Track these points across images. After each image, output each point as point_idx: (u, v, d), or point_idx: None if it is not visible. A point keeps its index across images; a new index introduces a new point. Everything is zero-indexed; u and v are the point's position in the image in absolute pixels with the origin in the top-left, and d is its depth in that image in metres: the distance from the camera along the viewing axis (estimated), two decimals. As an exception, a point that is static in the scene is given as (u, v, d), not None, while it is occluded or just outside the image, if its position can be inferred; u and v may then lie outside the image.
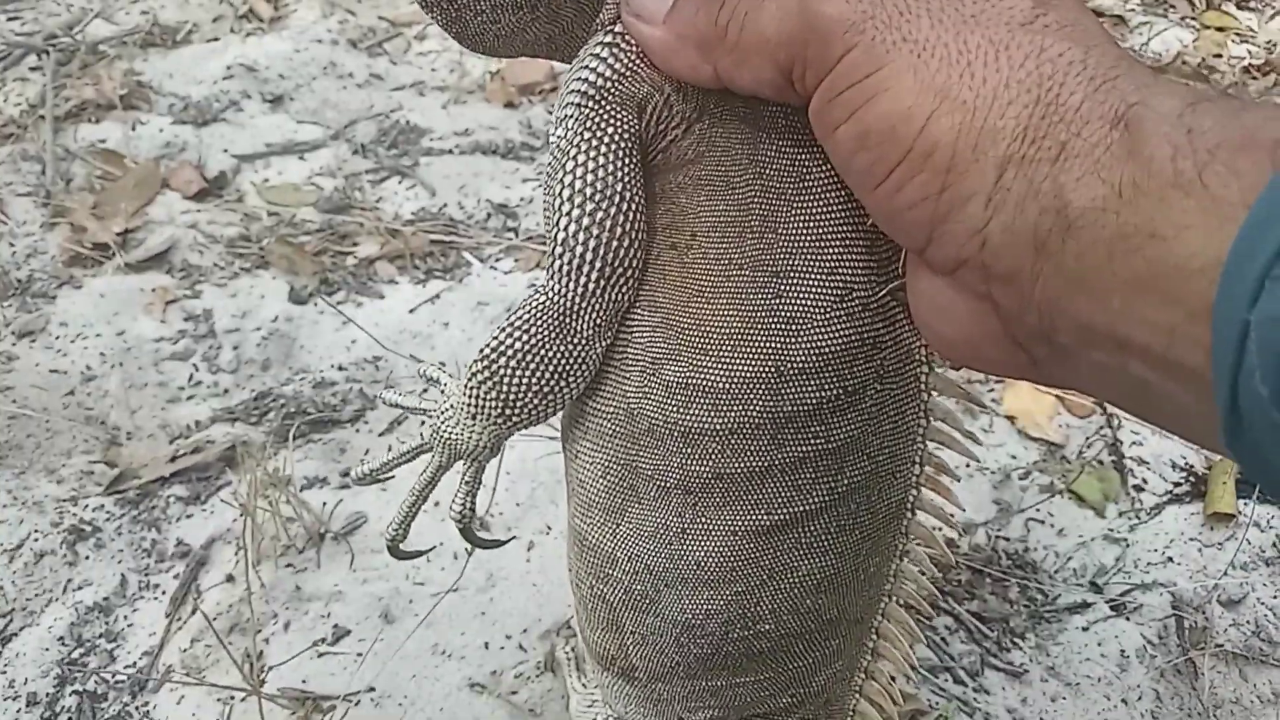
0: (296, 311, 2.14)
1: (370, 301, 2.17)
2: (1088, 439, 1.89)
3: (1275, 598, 1.65)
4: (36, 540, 1.67)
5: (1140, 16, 3.34)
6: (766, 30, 0.61)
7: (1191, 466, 1.85)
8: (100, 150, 2.46)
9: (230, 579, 1.62)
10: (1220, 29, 3.30)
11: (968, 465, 1.73)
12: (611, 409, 0.76)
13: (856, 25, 0.58)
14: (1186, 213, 0.48)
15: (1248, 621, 1.62)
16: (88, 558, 1.65)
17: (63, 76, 2.67)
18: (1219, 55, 3.18)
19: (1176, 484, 1.82)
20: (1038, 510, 1.76)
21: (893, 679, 0.94)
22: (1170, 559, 1.69)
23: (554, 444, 1.77)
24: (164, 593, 1.61)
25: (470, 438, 0.78)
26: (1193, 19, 3.36)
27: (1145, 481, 1.82)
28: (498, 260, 2.32)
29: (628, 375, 0.74)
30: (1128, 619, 1.60)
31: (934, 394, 0.79)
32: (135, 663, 1.51)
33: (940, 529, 0.86)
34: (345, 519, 1.69)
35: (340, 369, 2.00)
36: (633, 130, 0.69)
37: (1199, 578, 1.65)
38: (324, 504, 1.71)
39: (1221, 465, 1.80)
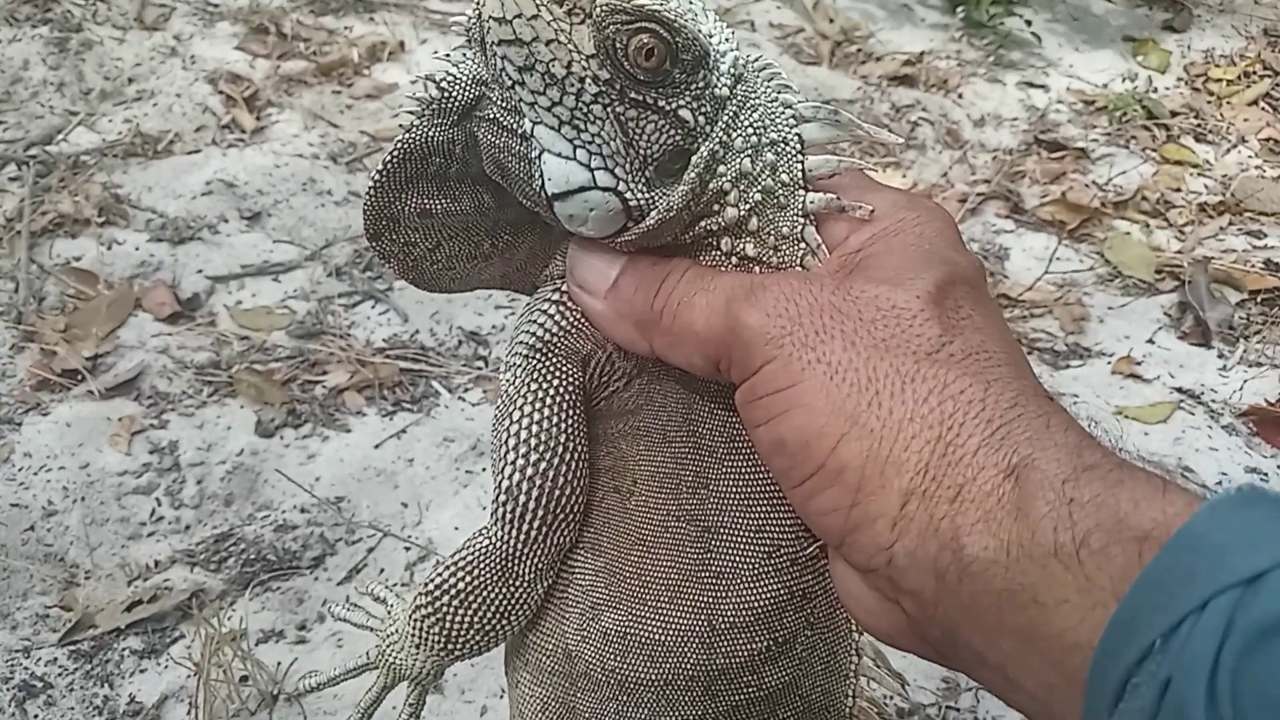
0: (262, 445, 2.15)
1: (336, 435, 2.19)
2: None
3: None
4: (-13, 693, 1.67)
5: (1103, 148, 3.44)
6: (695, 324, 0.66)
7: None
8: (74, 269, 2.48)
9: (181, 741, 1.61)
10: (1178, 162, 3.41)
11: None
12: (550, 647, 0.78)
13: (775, 339, 0.62)
14: (1065, 587, 0.52)
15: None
16: (37, 717, 1.64)
17: (41, 190, 2.70)
18: (1178, 189, 3.28)
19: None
20: (987, 680, 1.78)
21: None
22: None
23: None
24: (113, 754, 1.60)
25: (413, 664, 0.80)
26: (1153, 150, 3.47)
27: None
28: (466, 390, 2.34)
29: (567, 617, 0.76)
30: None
31: (865, 634, 0.82)
32: (79, 832, 1.51)
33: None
34: (299, 680, 1.69)
35: (303, 511, 2.01)
36: (577, 382, 0.73)
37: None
38: (278, 663, 1.71)
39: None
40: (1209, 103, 3.72)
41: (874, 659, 0.83)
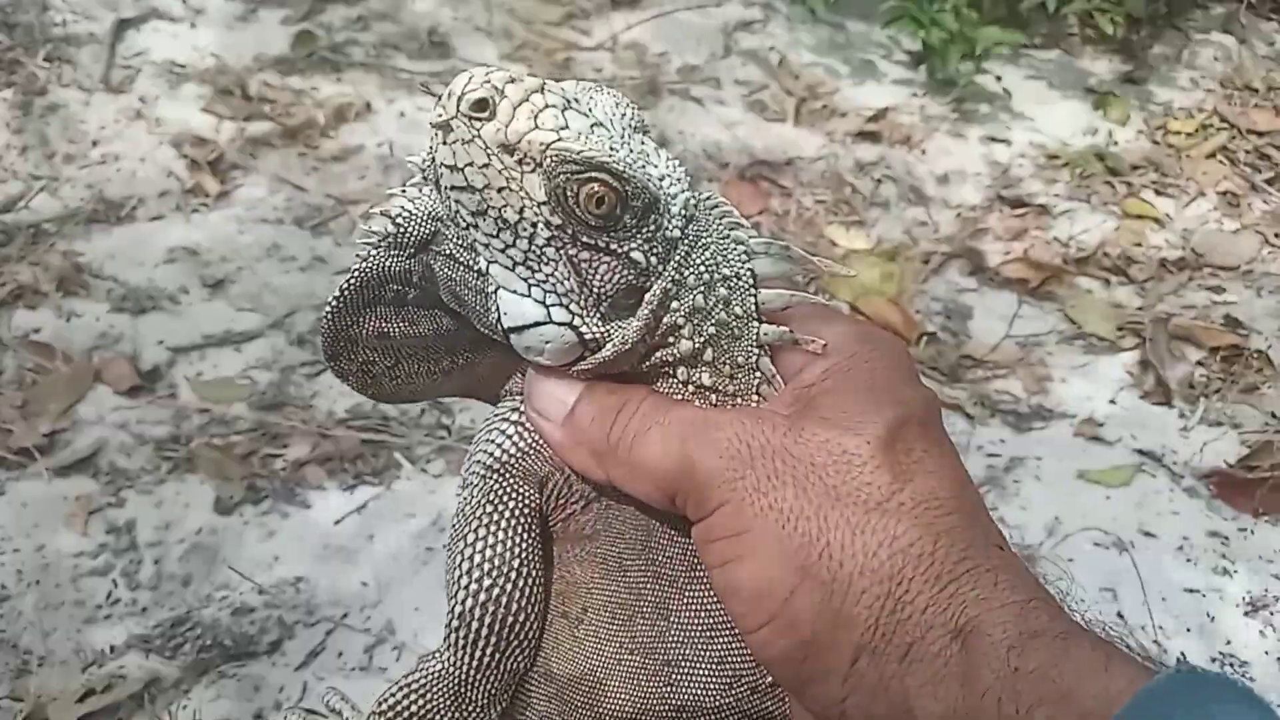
0: (221, 523, 2.13)
1: (296, 512, 2.17)
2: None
3: None
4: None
5: (1065, 203, 3.48)
6: (650, 460, 0.66)
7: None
8: (32, 343, 2.46)
9: (131, 840, 1.58)
10: (1139, 217, 3.45)
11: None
12: None
13: (729, 482, 0.63)
14: None
15: None
16: (-17, 818, 1.61)
17: (0, 260, 2.68)
18: (1139, 245, 3.32)
19: None
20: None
21: None
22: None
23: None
24: None
25: None
26: (1115, 204, 3.51)
27: None
28: (429, 461, 2.33)
29: None
30: None
31: None
32: None
33: None
34: (252, 778, 1.67)
35: (261, 592, 1.99)
36: (533, 504, 0.72)
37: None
38: (232, 756, 1.69)
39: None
40: (1169, 155, 3.78)
41: None
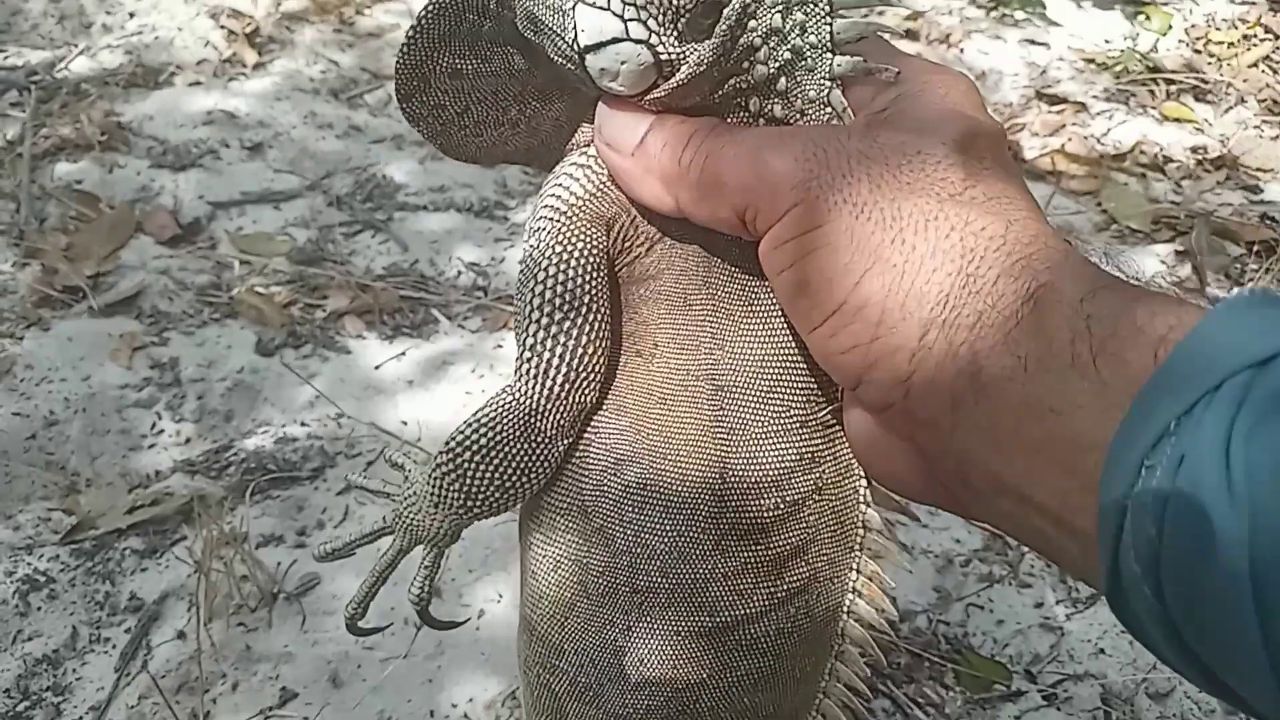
0: (262, 363, 2.16)
1: (336, 356, 2.20)
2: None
3: (1201, 691, 1.70)
4: (-11, 588, 1.68)
5: (1102, 104, 3.45)
6: (723, 175, 0.66)
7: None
8: (76, 191, 2.48)
9: (181, 635, 1.63)
10: (1178, 120, 3.42)
11: (911, 551, 1.78)
12: (566, 505, 0.79)
13: (803, 183, 0.63)
14: (1081, 393, 0.53)
15: (1174, 715, 1.67)
16: (39, 609, 1.66)
17: (43, 114, 2.69)
18: (1176, 144, 3.29)
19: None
20: (978, 596, 1.81)
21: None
22: (1102, 650, 1.74)
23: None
24: (114, 646, 1.62)
25: (431, 525, 0.81)
26: (1153, 107, 3.48)
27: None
28: (466, 318, 2.35)
29: (586, 474, 0.77)
30: (1059, 709, 1.65)
31: (871, 507, 0.83)
32: (81, 718, 1.52)
33: (875, 626, 0.90)
34: (299, 580, 1.71)
35: (302, 425, 2.02)
36: (601, 246, 0.74)
37: (1128, 670, 1.71)
38: (278, 563, 1.73)
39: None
40: (1210, 63, 3.73)
41: (879, 532, 0.84)
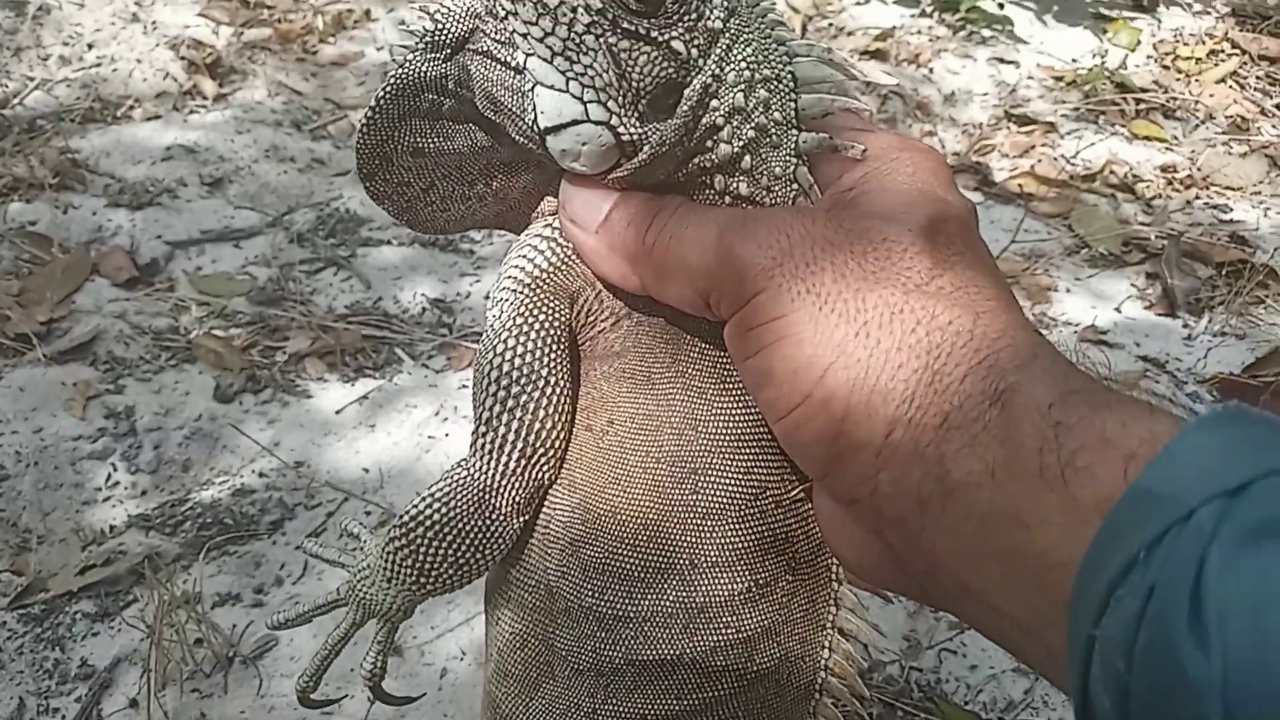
0: (221, 410, 2.12)
1: (296, 401, 2.15)
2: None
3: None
4: (-67, 657, 1.63)
5: (1071, 123, 3.44)
6: (687, 257, 0.65)
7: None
8: (28, 233, 2.43)
9: (134, 704, 1.58)
10: (1147, 138, 3.42)
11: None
12: (533, 583, 0.77)
13: (766, 270, 0.61)
14: (1049, 507, 0.51)
15: (1150, 761, 1.64)
16: (-15, 680, 1.61)
17: (-4, 153, 2.64)
18: (1146, 164, 3.28)
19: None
20: (950, 641, 1.78)
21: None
22: (1077, 696, 1.71)
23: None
24: (64, 718, 1.57)
25: (384, 600, 0.79)
26: (1122, 125, 3.48)
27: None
28: (430, 357, 2.32)
29: (548, 553, 0.75)
30: (1033, 759, 1.63)
31: (843, 584, 0.81)
32: (28, 795, 1.48)
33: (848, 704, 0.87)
34: (255, 642, 1.67)
35: (260, 475, 1.98)
36: (563, 320, 0.72)
37: (1103, 717, 1.68)
38: (234, 625, 1.69)
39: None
40: (1178, 80, 3.73)
41: (852, 610, 0.82)
